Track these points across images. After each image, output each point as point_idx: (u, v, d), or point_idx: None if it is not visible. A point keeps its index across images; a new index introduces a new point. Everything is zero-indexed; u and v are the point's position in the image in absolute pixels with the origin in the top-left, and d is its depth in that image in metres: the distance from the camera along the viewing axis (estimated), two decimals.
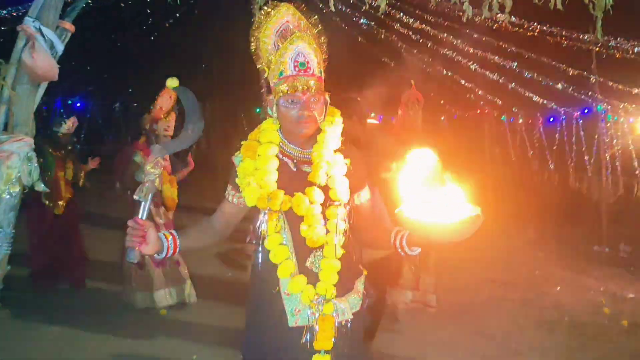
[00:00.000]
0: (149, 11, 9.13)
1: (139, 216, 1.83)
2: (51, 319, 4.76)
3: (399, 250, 1.90)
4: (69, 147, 5.73)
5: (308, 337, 1.88)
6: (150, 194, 1.87)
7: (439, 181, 1.78)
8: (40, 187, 2.48)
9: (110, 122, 13.71)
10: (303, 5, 1.98)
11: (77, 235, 5.77)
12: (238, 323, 4.47)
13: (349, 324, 1.94)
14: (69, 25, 2.53)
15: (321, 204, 1.91)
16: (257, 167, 1.94)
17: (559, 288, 6.06)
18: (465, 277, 6.22)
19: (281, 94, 1.87)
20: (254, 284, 2.06)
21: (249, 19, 7.01)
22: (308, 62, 1.86)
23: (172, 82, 1.98)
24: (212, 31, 12.16)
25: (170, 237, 1.90)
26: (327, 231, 1.91)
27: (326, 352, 1.89)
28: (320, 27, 1.98)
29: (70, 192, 5.66)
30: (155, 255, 1.87)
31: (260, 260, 1.97)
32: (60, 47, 2.49)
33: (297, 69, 1.85)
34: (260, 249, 1.96)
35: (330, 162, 1.94)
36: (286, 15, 1.93)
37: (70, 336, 4.46)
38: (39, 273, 5.44)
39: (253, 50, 1.98)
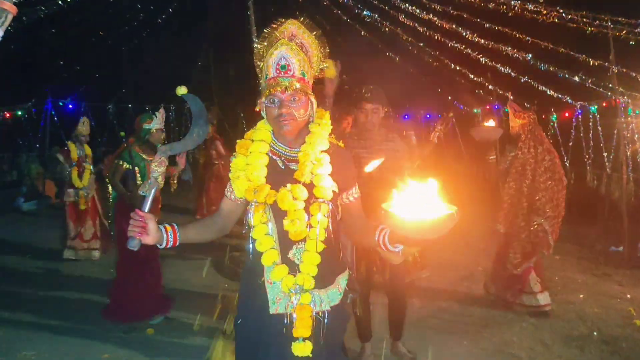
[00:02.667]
0: (139, 6, 8.74)
1: (142, 209, 1.99)
2: (30, 335, 4.38)
3: (382, 247, 2.02)
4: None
5: (286, 323, 2.01)
6: (153, 189, 2.06)
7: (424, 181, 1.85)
8: None
9: (104, 124, 13.35)
10: (307, 20, 2.13)
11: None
12: None
13: (325, 315, 2.05)
14: (8, 6, 2.06)
15: (305, 201, 2.03)
16: (248, 163, 2.10)
17: (581, 296, 5.59)
18: (478, 285, 5.76)
19: (265, 95, 2.04)
20: (244, 273, 2.23)
21: (246, 14, 6.65)
22: (289, 65, 2.01)
23: (181, 90, 2.14)
24: (208, 28, 11.78)
25: (170, 230, 2.04)
26: (311, 226, 2.03)
27: (305, 339, 2.00)
28: (324, 40, 2.14)
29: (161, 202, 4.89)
30: (157, 245, 2.01)
31: (250, 251, 2.09)
32: None
33: (278, 71, 2.02)
34: (250, 240, 2.09)
35: (316, 161, 2.06)
36: (292, 30, 2.10)
37: (48, 356, 4.07)
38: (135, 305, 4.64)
39: (255, 62, 2.15)
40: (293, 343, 1.99)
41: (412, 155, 3.89)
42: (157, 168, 2.17)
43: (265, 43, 2.11)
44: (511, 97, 5.32)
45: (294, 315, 2.00)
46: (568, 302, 5.33)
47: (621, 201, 7.57)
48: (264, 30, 2.15)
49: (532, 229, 4.88)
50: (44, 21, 7.88)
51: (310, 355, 2.00)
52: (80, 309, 5.08)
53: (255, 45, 2.16)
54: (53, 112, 11.10)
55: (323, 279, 2.07)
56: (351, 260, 4.61)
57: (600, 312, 5.07)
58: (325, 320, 2.05)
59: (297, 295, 2.01)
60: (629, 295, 5.60)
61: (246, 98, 11.69)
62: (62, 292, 5.62)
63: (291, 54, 2.01)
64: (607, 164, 8.29)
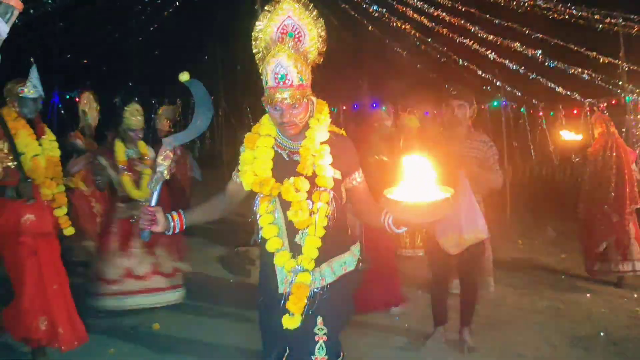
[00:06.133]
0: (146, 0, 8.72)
1: (150, 203, 2.19)
2: None
3: (387, 228, 2.14)
4: None
5: (284, 301, 2.16)
6: (159, 184, 2.19)
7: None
8: None
9: (111, 117, 13.25)
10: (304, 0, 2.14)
11: None
12: (239, 342, 4.08)
13: (327, 288, 2.20)
14: (14, 2, 2.04)
15: (308, 190, 2.17)
16: (255, 157, 2.24)
17: (589, 295, 5.54)
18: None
19: (266, 101, 2.14)
20: (262, 258, 2.39)
21: (253, 7, 6.60)
22: (287, 75, 2.07)
23: (183, 76, 2.24)
24: (215, 20, 11.74)
25: (176, 217, 2.27)
26: (314, 213, 2.16)
27: (294, 314, 2.12)
28: (322, 21, 2.16)
29: None
30: (165, 232, 2.23)
31: (260, 237, 2.26)
32: (3, 28, 2.01)
33: (276, 81, 2.08)
34: (259, 227, 2.24)
35: (316, 153, 2.18)
36: (288, 10, 2.13)
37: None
38: None
39: (255, 52, 2.20)
40: (283, 316, 2.14)
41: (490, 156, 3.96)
42: (163, 162, 2.20)
43: (261, 31, 2.18)
44: (602, 106, 5.75)
45: (289, 292, 2.16)
46: (575, 303, 5.28)
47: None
48: (259, 18, 2.19)
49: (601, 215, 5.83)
50: (52, 14, 7.87)
51: (292, 328, 2.12)
52: (85, 301, 5.06)
53: (253, 33, 2.20)
54: (60, 105, 11.12)
55: (327, 253, 2.22)
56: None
57: (608, 312, 5.02)
58: (328, 290, 2.21)
59: (295, 275, 2.16)
60: (635, 295, 5.54)
61: (252, 90, 11.63)
62: None
63: (288, 61, 2.07)
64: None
